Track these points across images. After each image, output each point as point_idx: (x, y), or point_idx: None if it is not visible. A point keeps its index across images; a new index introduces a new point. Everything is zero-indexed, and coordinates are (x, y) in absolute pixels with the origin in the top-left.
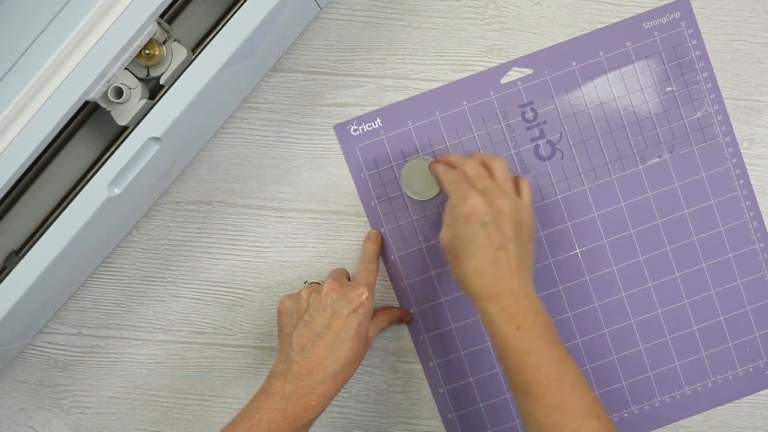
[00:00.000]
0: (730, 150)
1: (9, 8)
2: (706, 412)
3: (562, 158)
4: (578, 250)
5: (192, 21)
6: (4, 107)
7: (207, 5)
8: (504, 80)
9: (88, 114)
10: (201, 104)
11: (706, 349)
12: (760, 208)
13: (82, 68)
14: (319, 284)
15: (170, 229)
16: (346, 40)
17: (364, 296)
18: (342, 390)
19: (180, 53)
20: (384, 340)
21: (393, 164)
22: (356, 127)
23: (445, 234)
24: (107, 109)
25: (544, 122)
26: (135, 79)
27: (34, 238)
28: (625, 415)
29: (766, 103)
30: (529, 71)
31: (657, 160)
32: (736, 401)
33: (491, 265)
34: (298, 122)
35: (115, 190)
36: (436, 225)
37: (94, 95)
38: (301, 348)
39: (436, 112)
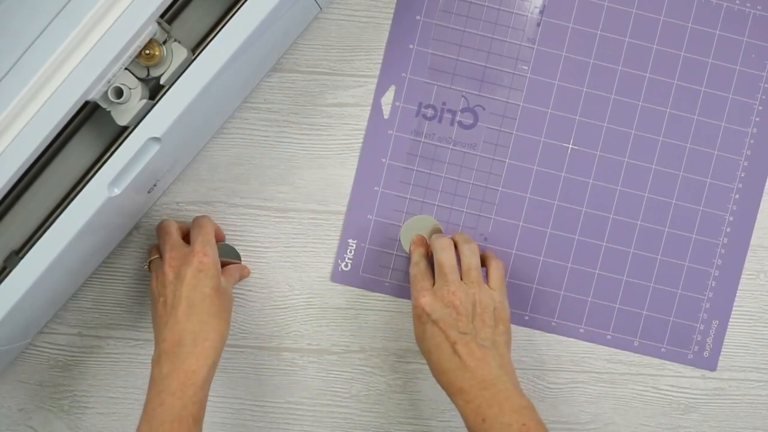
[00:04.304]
0: None
1: (9, 8)
2: (707, 412)
3: (484, 109)
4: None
5: (192, 21)
6: (4, 107)
7: (207, 5)
8: (386, 115)
9: (88, 114)
10: (201, 104)
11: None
12: None
13: (82, 68)
14: (160, 258)
15: None
16: (346, 40)
17: (202, 255)
18: (342, 390)
19: (180, 53)
20: (384, 339)
21: (391, 266)
22: (342, 264)
23: (414, 331)
24: (107, 109)
25: (444, 104)
26: (135, 79)
27: (34, 238)
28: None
29: None
30: (393, 88)
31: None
32: (737, 401)
33: (450, 359)
34: (298, 122)
35: (115, 190)
36: None
37: (94, 95)
38: (165, 325)
39: (375, 188)
